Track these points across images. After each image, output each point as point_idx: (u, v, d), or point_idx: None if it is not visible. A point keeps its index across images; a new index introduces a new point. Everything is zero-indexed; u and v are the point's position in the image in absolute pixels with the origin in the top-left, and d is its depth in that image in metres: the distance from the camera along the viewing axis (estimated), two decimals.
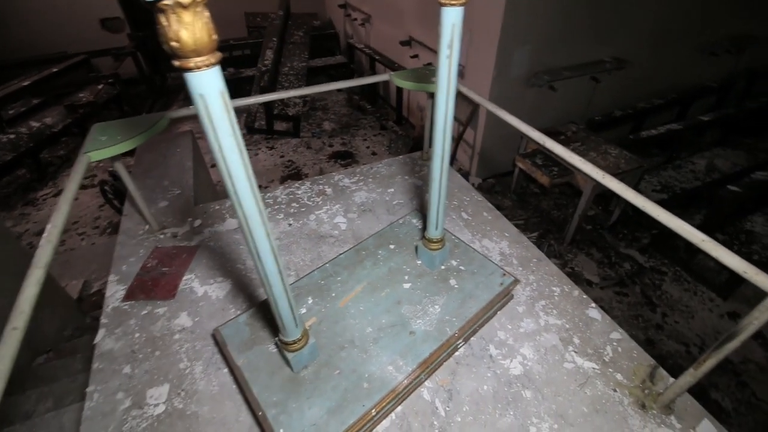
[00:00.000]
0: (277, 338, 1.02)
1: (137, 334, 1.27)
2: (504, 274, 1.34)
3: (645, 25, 3.80)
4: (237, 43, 6.48)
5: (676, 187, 3.53)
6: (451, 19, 0.86)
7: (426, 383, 1.15)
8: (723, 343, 0.93)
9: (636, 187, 3.45)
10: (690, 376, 1.03)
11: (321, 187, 1.91)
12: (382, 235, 1.48)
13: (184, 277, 1.43)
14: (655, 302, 3.10)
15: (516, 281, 1.35)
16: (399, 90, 4.96)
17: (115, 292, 1.41)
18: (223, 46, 6.73)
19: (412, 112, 5.16)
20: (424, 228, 1.34)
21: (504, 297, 1.34)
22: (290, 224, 1.70)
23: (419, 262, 1.36)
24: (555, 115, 3.95)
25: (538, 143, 1.38)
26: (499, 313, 1.35)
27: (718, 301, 3.10)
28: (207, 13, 0.55)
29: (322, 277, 1.30)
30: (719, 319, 3.02)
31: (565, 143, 3.50)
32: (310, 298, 1.23)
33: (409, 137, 5.00)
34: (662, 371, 1.23)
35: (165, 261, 1.49)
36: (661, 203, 3.23)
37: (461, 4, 0.85)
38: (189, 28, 0.53)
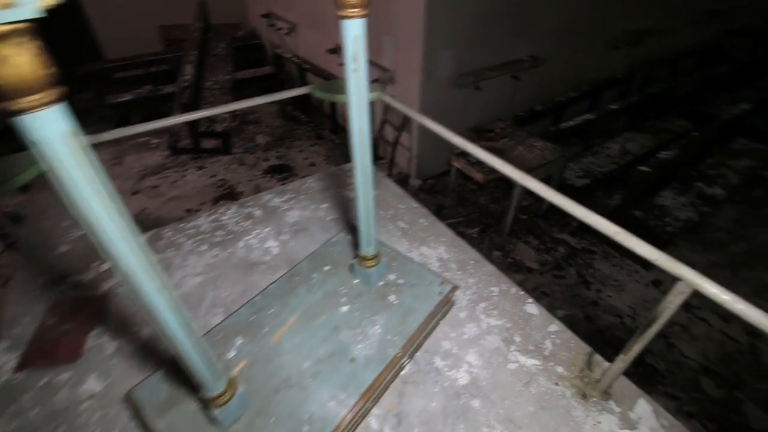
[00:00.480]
0: (199, 395, 0.91)
1: (35, 411, 1.08)
2: (442, 282, 1.33)
3: (556, 25, 4.08)
4: (153, 59, 6.03)
5: (596, 172, 3.82)
6: (353, 31, 0.81)
7: (373, 411, 1.09)
8: (645, 328, 0.97)
9: (561, 175, 3.69)
10: (621, 362, 1.07)
11: (249, 209, 1.79)
12: (316, 257, 1.41)
13: (92, 333, 1.26)
14: (589, 280, 3.31)
15: (455, 288, 1.34)
16: None
17: (5, 363, 1.20)
18: (137, 62, 6.27)
19: (346, 120, 5.11)
20: (359, 245, 1.28)
21: (445, 305, 1.33)
22: (216, 255, 1.56)
23: (356, 281, 1.31)
24: (483, 113, 4.10)
25: (462, 147, 1.39)
26: (441, 322, 1.33)
27: (642, 272, 3.38)
28: (35, 44, 0.45)
29: (252, 312, 1.20)
30: (645, 288, 3.29)
31: (495, 139, 3.65)
32: (239, 338, 1.13)
33: (346, 146, 4.94)
34: (598, 357, 1.28)
35: (67, 316, 1.30)
36: (585, 187, 3.45)
37: (362, 16, 0.81)
38: (10, 63, 0.43)
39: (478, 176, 3.42)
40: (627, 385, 1.20)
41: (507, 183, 4.06)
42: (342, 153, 4.84)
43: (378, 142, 4.57)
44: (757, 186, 4.36)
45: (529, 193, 4.12)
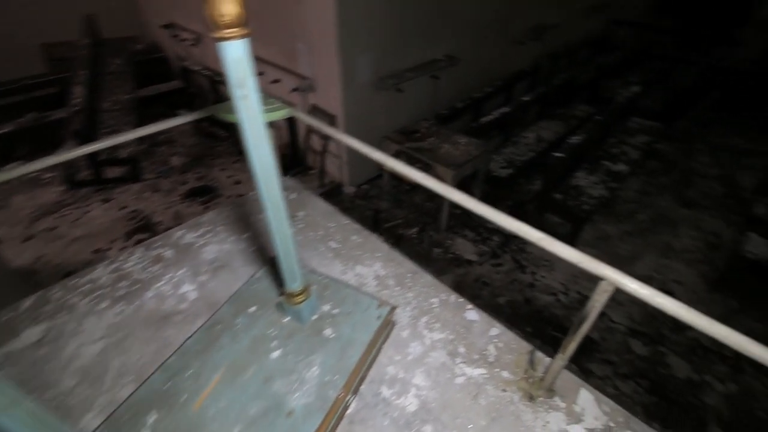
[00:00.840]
0: None
1: None
2: (380, 305, 1.26)
3: (466, 24, 4.23)
4: (37, 82, 5.27)
5: (517, 161, 4.03)
6: (234, 54, 0.71)
7: None
8: (578, 327, 0.99)
9: (487, 167, 3.83)
10: (560, 360, 1.08)
11: (158, 251, 1.58)
12: (239, 298, 1.27)
13: None
14: (524, 264, 3.48)
15: (394, 308, 1.28)
16: None
17: None
18: (17, 86, 5.42)
19: (270, 131, 4.87)
20: (283, 282, 1.17)
21: (386, 328, 1.26)
22: (120, 312, 1.35)
23: (286, 319, 1.20)
24: (407, 114, 4.13)
25: (381, 163, 1.33)
26: (384, 346, 1.27)
27: None
28: None
29: (167, 378, 1.04)
30: (572, 265, 3.54)
31: (421, 139, 3.68)
32: (152, 413, 0.96)
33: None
34: (539, 354, 1.29)
35: None
36: (510, 177, 3.59)
37: (242, 36, 0.70)
38: None
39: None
40: (568, 378, 1.23)
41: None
42: None
43: (305, 152, 4.42)
44: (653, 158, 4.91)
45: (461, 186, 4.24)
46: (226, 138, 5.13)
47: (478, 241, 3.70)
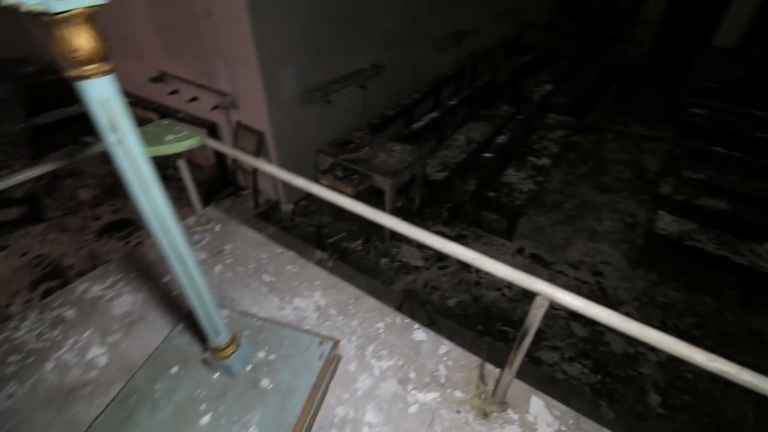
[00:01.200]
0: None
1: None
2: (322, 342, 1.17)
3: (388, 33, 4.26)
4: None
5: (451, 164, 4.13)
6: (99, 95, 0.59)
7: None
8: (520, 341, 0.98)
9: (424, 173, 3.87)
10: (508, 374, 1.07)
11: (57, 311, 1.35)
12: (158, 357, 1.11)
13: None
14: (472, 270, 3.55)
15: (337, 342, 1.20)
16: None
17: None
18: None
19: (194, 152, 4.54)
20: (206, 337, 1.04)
21: (331, 365, 1.18)
22: (12, 393, 1.12)
23: (216, 375, 1.06)
24: (339, 125, 4.06)
25: (313, 191, 1.24)
26: (331, 385, 1.18)
27: (508, 244, 3.78)
28: None
29: None
30: (512, 258, 3.68)
31: (355, 150, 3.63)
32: None
33: (198, 181, 4.39)
34: (488, 366, 1.28)
35: None
36: (446, 179, 3.63)
37: (106, 72, 0.59)
38: None
39: (348, 190, 3.36)
40: (519, 387, 1.23)
41: (378, 190, 4.11)
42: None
43: (235, 172, 4.17)
44: (571, 150, 5.31)
45: (400, 193, 4.25)
46: None
47: (423, 246, 3.73)
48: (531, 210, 4.20)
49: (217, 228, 1.76)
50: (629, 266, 3.58)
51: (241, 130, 3.65)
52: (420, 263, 3.54)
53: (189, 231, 1.73)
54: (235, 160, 4.00)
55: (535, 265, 3.57)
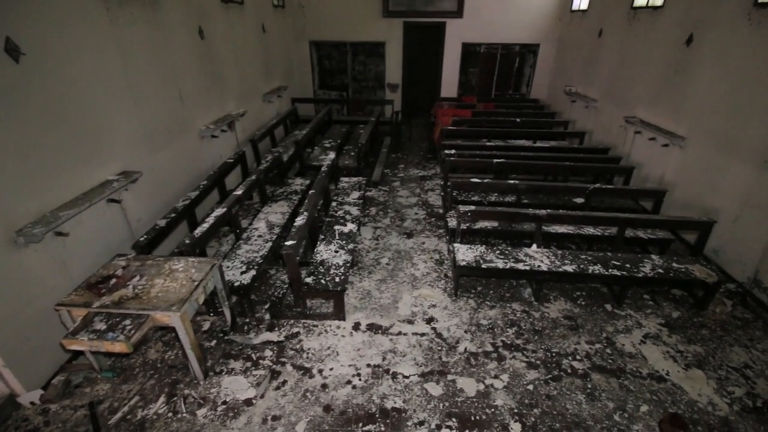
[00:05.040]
0: None
1: None
2: None
3: (136, 131, 3.59)
4: None
5: (257, 258, 3.66)
6: None
7: None
8: None
9: (225, 281, 3.25)
10: None
11: None
12: None
13: None
14: (308, 366, 3.09)
15: None
16: None
17: None
18: None
19: None
20: None
21: None
22: None
23: None
24: (90, 260, 3.09)
25: None
26: None
27: (342, 324, 3.50)
28: None
29: None
30: (351, 338, 3.41)
31: (119, 287, 2.75)
32: None
33: None
34: None
35: None
36: (254, 279, 3.01)
37: None
38: None
39: (120, 347, 2.46)
40: None
41: (165, 328, 3.25)
42: None
43: None
44: (371, 205, 5.59)
45: (203, 312, 3.49)
46: None
47: (249, 368, 3.07)
48: (354, 278, 4.09)
49: None
50: (452, 301, 3.80)
51: None
52: (251, 393, 2.86)
53: None
54: None
55: (375, 335, 3.39)
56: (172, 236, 3.94)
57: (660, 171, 5.16)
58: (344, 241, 3.93)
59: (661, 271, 3.54)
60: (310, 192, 4.00)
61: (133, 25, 3.63)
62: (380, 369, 3.07)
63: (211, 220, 3.48)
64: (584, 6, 7.71)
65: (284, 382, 2.95)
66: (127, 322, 2.57)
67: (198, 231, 3.33)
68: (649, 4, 5.64)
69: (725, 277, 4.05)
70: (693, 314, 3.68)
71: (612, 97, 6.54)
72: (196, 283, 2.78)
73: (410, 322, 3.55)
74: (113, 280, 2.82)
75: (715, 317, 3.65)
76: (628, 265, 3.60)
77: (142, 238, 3.23)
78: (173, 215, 3.56)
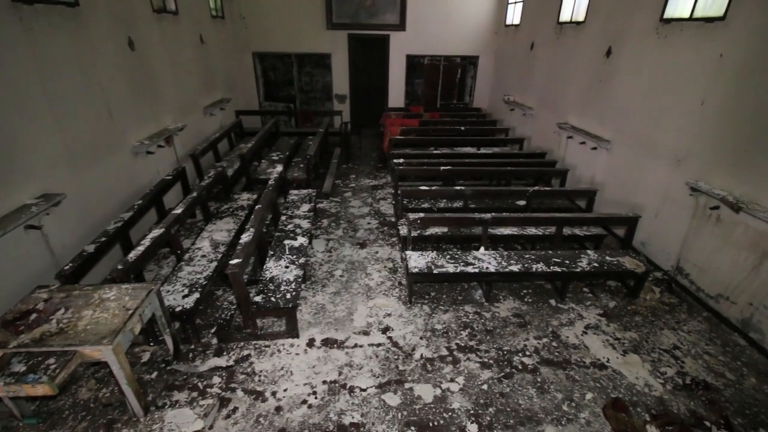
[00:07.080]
0: None
1: None
2: None
3: (59, 150, 3.28)
4: None
5: (200, 280, 3.46)
6: None
7: None
8: None
9: (164, 307, 3.04)
10: None
11: None
12: None
13: None
14: (260, 389, 2.95)
15: None
16: None
17: None
18: None
19: None
20: None
21: None
22: None
23: None
24: (4, 295, 2.75)
25: None
26: None
27: (296, 342, 3.39)
28: None
29: None
30: (305, 355, 3.31)
31: (42, 322, 2.48)
32: None
33: None
34: None
35: None
36: (198, 302, 2.85)
37: None
38: None
39: (43, 389, 2.20)
40: None
41: (97, 364, 2.97)
42: None
43: None
44: (322, 217, 5.52)
45: (141, 342, 3.23)
46: None
47: (195, 398, 2.87)
48: (307, 293, 3.99)
49: None
50: (407, 308, 3.82)
51: None
52: (198, 425, 2.68)
53: None
54: None
55: (330, 350, 3.32)
56: (104, 262, 3.63)
57: (591, 172, 5.57)
58: (295, 256, 3.83)
59: (596, 264, 3.80)
60: (257, 207, 3.88)
61: (52, 36, 3.35)
62: (336, 384, 3.00)
63: (147, 242, 3.25)
64: (517, 21, 8.23)
65: (235, 409, 2.79)
66: (51, 360, 2.32)
67: (132, 255, 3.09)
68: (573, 19, 6.13)
69: (653, 266, 4.42)
70: (627, 303, 3.97)
71: (546, 105, 7.00)
72: (130, 312, 2.57)
73: (366, 333, 3.51)
74: (33, 315, 2.53)
75: (646, 304, 3.97)
76: (567, 262, 3.82)
77: (66, 267, 2.94)
78: (103, 239, 3.29)
